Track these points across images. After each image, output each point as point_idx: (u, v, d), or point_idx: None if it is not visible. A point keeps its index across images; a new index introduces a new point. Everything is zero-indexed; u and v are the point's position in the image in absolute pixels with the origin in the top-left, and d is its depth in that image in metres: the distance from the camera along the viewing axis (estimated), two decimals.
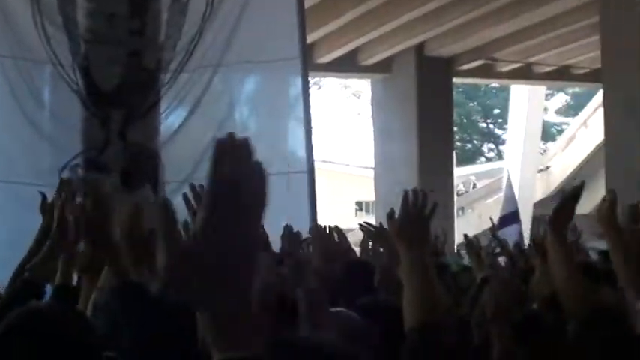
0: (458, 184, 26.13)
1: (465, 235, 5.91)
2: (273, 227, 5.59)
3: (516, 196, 12.39)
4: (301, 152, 6.89)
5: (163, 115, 6.65)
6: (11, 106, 6.30)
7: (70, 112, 6.40)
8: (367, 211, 30.09)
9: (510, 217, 11.51)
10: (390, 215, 2.66)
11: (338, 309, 2.76)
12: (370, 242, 4.90)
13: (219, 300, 1.13)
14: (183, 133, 6.74)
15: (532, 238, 5.25)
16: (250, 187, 1.16)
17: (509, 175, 13.70)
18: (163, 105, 6.63)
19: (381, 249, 4.38)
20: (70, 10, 6.40)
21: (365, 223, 4.90)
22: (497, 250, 6.09)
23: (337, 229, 4.80)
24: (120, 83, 6.47)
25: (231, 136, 1.20)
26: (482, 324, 2.91)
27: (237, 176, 1.15)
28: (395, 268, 2.79)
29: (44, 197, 3.73)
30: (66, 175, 6.08)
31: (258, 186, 1.17)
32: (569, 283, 2.79)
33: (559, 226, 2.86)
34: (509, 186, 12.05)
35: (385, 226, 3.18)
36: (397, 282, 2.67)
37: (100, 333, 2.18)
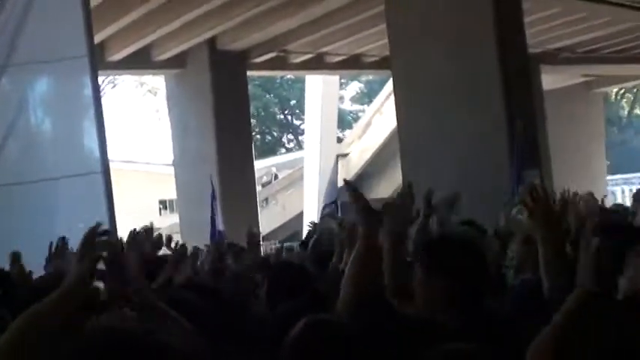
0: (260, 176, 26.46)
1: None
2: (72, 230, 5.57)
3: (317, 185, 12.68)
4: (97, 153, 6.81)
5: None
6: None
7: None
8: (171, 209, 29.79)
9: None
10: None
11: None
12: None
13: None
14: None
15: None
16: None
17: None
18: None
19: None
20: None
21: None
22: None
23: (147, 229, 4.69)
24: None
25: None
26: None
27: None
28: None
29: None
30: None
31: None
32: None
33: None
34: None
35: None
36: None
37: None
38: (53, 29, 6.67)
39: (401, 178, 11.64)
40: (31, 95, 7.05)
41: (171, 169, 17.69)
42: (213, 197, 11.60)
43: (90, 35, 6.67)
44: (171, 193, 20.11)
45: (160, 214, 31.88)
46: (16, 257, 4.45)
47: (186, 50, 15.31)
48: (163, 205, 33.88)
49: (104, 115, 6.82)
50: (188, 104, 16.20)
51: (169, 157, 19.18)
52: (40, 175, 6.48)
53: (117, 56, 14.60)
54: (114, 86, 35.46)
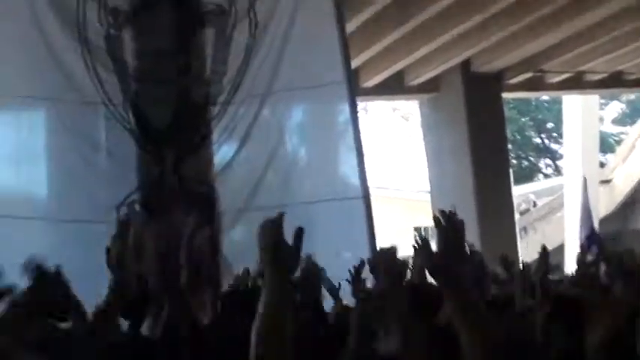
0: (518, 204, 25.59)
1: None
2: (330, 253, 5.63)
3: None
4: (354, 178, 6.86)
5: (215, 148, 6.74)
6: (67, 148, 6.47)
7: (124, 151, 6.53)
8: (427, 236, 29.61)
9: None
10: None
11: None
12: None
13: None
14: (235, 164, 6.82)
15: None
16: None
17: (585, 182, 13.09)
18: (214, 137, 6.72)
19: None
20: (118, 50, 6.56)
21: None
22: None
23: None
24: (171, 120, 6.59)
25: None
26: None
27: None
28: None
29: None
30: (123, 211, 6.20)
31: None
32: None
33: None
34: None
35: None
36: None
37: None
38: (310, 57, 6.85)
39: None
40: (289, 122, 7.28)
41: (425, 196, 17.61)
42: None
43: (347, 61, 6.77)
44: (425, 220, 20.04)
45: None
46: None
47: (439, 74, 15.23)
48: (418, 232, 33.93)
49: (362, 142, 6.88)
50: (443, 129, 16.08)
51: (423, 183, 19.14)
52: (297, 199, 6.65)
53: (370, 82, 14.80)
54: (367, 112, 36.23)
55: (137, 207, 6.33)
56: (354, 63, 12.13)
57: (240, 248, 6.05)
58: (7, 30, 6.35)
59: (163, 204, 6.40)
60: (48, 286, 3.03)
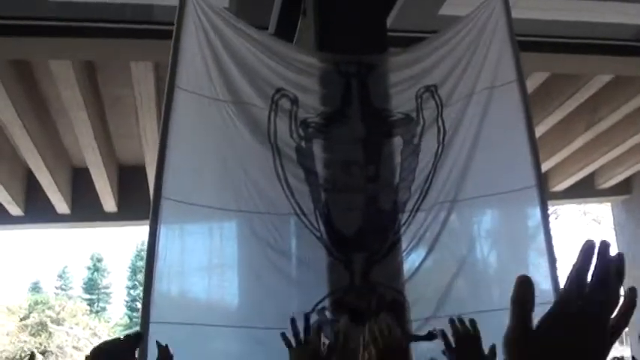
0: None
1: None
2: None
3: None
4: (545, 284, 6.60)
5: (404, 255, 6.71)
6: (260, 257, 6.61)
7: (314, 258, 6.62)
8: (620, 343, 28.22)
9: None
10: None
11: None
12: None
13: None
14: (424, 271, 6.74)
15: None
16: None
17: None
18: (403, 244, 6.70)
19: None
20: (310, 162, 6.73)
21: None
22: None
23: None
24: (360, 227, 6.65)
25: None
26: None
27: None
28: None
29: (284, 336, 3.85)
30: (314, 318, 6.24)
31: None
32: None
33: None
34: None
35: None
36: None
37: None
38: (499, 162, 6.75)
39: None
40: (479, 228, 7.15)
41: None
42: None
43: (538, 166, 6.62)
44: None
45: None
46: None
47: (631, 175, 14.70)
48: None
49: (554, 247, 6.65)
50: (636, 231, 15.42)
51: None
52: (485, 307, 6.47)
53: (560, 186, 14.48)
54: (557, 217, 35.26)
55: (328, 314, 6.37)
56: (544, 167, 11.91)
57: (427, 357, 5.93)
58: (201, 143, 6.60)
59: (354, 310, 6.40)
60: None
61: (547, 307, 6.07)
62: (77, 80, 8.45)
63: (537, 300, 6.11)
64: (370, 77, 6.87)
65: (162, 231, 6.30)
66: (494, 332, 6.39)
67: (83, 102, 9.04)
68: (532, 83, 10.31)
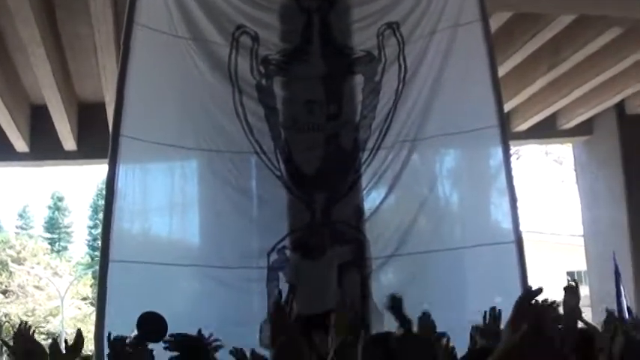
0: None
1: None
2: (485, 298, 5.46)
3: None
4: (506, 223, 6.66)
5: (364, 193, 6.72)
6: (220, 196, 6.58)
7: (275, 197, 6.60)
8: (579, 281, 28.79)
9: None
10: None
11: None
12: None
13: None
14: (385, 209, 6.76)
15: None
16: None
17: None
18: (364, 183, 6.70)
19: None
20: (270, 99, 6.67)
21: None
22: None
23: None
24: (320, 166, 6.64)
25: None
26: None
27: None
28: None
29: None
30: (274, 257, 6.26)
31: None
32: None
33: None
34: None
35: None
36: None
37: None
38: (461, 101, 6.73)
39: None
40: (440, 167, 7.17)
41: (578, 240, 17.10)
42: (617, 273, 10.94)
43: (500, 106, 6.61)
44: (579, 265, 19.36)
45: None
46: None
47: (593, 116, 14.78)
48: (571, 276, 32.91)
49: (515, 186, 6.69)
50: (597, 172, 15.55)
51: (575, 227, 18.55)
52: (448, 245, 6.53)
53: (522, 126, 14.52)
54: (518, 157, 35.57)
55: (288, 252, 6.38)
56: (506, 107, 11.93)
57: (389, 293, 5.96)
58: (160, 81, 6.52)
59: (314, 248, 6.42)
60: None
61: (508, 247, 5.97)
62: (35, 17, 8.24)
63: (498, 239, 6.03)
64: (332, 13, 6.78)
65: (122, 169, 6.25)
66: (453, 270, 6.47)
67: (41, 39, 8.82)
68: (495, 23, 10.25)
